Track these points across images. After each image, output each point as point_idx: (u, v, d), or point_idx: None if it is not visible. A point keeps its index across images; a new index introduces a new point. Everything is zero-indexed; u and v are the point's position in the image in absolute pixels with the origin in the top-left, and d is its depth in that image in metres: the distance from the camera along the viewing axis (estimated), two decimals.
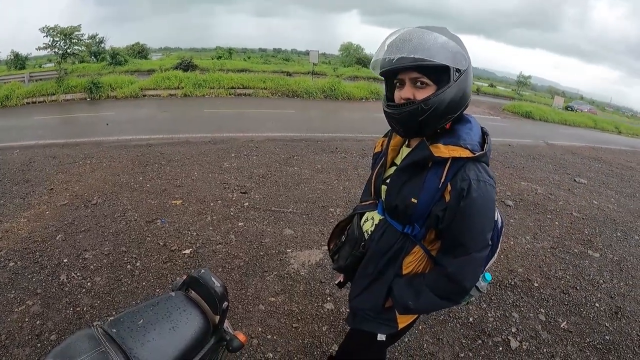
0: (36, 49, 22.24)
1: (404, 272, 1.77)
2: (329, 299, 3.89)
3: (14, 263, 4.42)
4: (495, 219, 1.77)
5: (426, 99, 1.48)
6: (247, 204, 6.01)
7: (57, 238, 4.93)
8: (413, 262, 1.75)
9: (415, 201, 1.62)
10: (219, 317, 1.87)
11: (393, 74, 1.57)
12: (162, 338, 1.66)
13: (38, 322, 3.51)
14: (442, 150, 1.54)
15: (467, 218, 1.54)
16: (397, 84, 1.58)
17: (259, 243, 4.87)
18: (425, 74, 1.48)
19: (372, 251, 1.83)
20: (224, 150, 9.14)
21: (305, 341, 3.35)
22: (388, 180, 1.78)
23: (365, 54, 45.56)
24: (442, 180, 1.56)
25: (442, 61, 1.43)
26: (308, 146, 9.86)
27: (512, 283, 4.35)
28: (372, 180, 1.92)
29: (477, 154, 1.53)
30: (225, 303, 1.88)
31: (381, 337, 1.91)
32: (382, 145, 1.98)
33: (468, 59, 1.51)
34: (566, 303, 4.11)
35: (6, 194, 6.48)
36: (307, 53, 37.55)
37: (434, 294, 1.67)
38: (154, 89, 20.69)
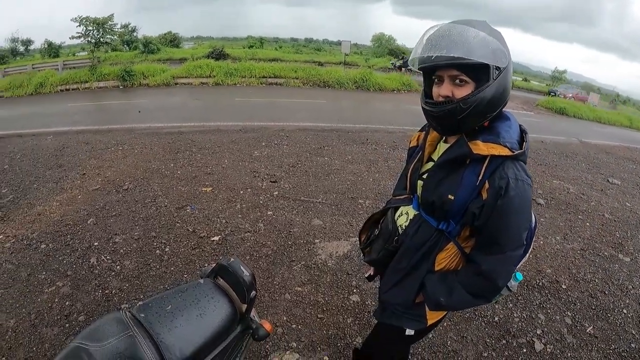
0: (69, 38, 22.68)
1: (437, 268, 1.76)
2: (355, 291, 3.88)
3: (45, 245, 4.52)
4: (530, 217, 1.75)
5: (465, 98, 1.46)
6: (276, 193, 6.03)
7: (88, 222, 5.03)
8: (446, 258, 1.74)
9: (452, 198, 1.60)
10: (246, 305, 1.87)
11: (431, 70, 1.54)
12: (189, 324, 1.66)
13: (67, 303, 3.60)
14: (481, 147, 1.52)
15: (503, 216, 1.53)
16: (436, 80, 1.55)
17: (288, 232, 4.88)
18: (464, 72, 1.45)
19: (406, 246, 1.82)
20: (255, 139, 9.17)
21: (330, 332, 3.35)
22: (425, 176, 1.76)
23: (398, 45, 45.13)
24: (480, 178, 1.54)
25: (481, 59, 1.40)
26: (339, 137, 9.82)
27: (540, 284, 4.27)
28: (408, 175, 1.90)
29: (516, 152, 1.51)
30: (253, 292, 1.88)
31: (409, 332, 1.91)
32: (418, 140, 1.96)
33: (508, 55, 1.47)
34: (593, 307, 4.00)
35: (39, 178, 6.63)
36: (338, 43, 37.31)
37: (467, 291, 1.67)
38: (185, 77, 20.85)
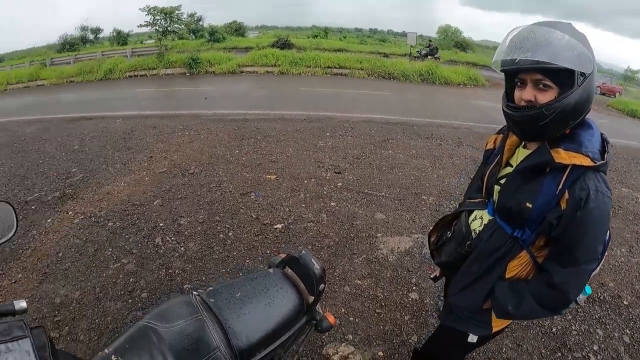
0: (137, 26, 23.52)
1: (507, 275, 1.72)
2: (414, 288, 3.78)
3: (112, 223, 4.67)
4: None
5: (548, 104, 1.41)
6: (340, 184, 5.97)
7: (154, 203, 5.15)
8: (517, 266, 1.70)
9: (530, 206, 1.55)
10: (313, 297, 1.86)
11: (514, 72, 1.50)
12: (257, 312, 1.67)
13: (131, 279, 3.71)
14: (563, 156, 1.47)
15: (581, 228, 1.47)
16: (518, 83, 1.51)
17: (350, 224, 4.82)
18: (548, 76, 1.40)
19: (479, 251, 1.77)
20: (319, 129, 9.17)
21: (386, 328, 3.30)
22: (502, 181, 1.72)
23: (464, 37, 44.19)
24: (560, 188, 1.49)
25: (566, 64, 1.34)
26: (404, 130, 9.67)
27: (601, 297, 4.01)
28: (485, 179, 1.84)
29: (598, 163, 1.45)
30: (322, 285, 1.87)
31: (472, 338, 1.88)
32: (495, 143, 1.92)
33: (593, 60, 1.40)
34: None
35: (108, 160, 6.85)
36: (403, 34, 36.94)
37: (536, 301, 1.62)
38: (251, 65, 21.20)
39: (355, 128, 9.46)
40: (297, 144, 7.91)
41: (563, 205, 1.48)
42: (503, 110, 1.58)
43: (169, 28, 23.42)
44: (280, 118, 10.35)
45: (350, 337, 3.16)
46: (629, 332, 3.55)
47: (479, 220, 1.84)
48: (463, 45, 41.37)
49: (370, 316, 3.40)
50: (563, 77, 1.38)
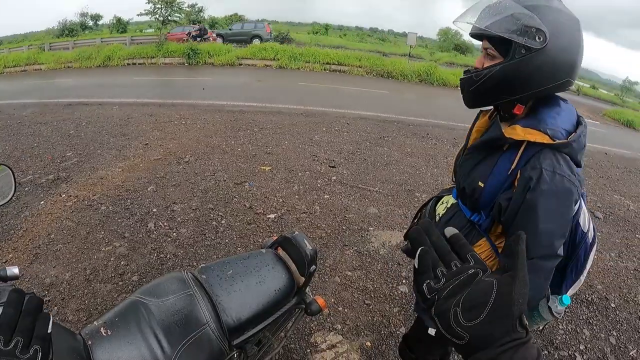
0: (137, 14, 23.52)
1: None
2: (404, 281, 3.81)
3: (105, 207, 4.68)
4: (584, 229, 1.55)
5: (477, 71, 1.44)
6: (334, 178, 5.98)
7: (148, 189, 5.16)
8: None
9: (482, 185, 1.51)
10: (304, 279, 1.87)
11: (474, 36, 1.51)
12: (248, 290, 1.68)
13: (122, 262, 3.73)
14: (518, 131, 1.40)
15: (531, 213, 1.37)
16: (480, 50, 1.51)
17: (343, 217, 4.83)
18: (493, 45, 1.42)
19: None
20: (316, 124, 9.17)
21: (375, 319, 3.31)
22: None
23: (464, 40, 44.28)
24: (514, 166, 1.42)
25: (503, 33, 1.32)
26: (399, 129, 9.67)
27: (589, 299, 4.04)
28: (454, 162, 1.82)
29: (557, 141, 1.36)
30: (313, 266, 1.87)
31: (431, 331, 1.76)
32: None
33: (549, 39, 1.30)
34: None
35: (104, 145, 6.85)
36: (404, 34, 36.98)
37: None
38: (250, 58, 21.19)
39: (351, 124, 9.46)
40: (293, 137, 7.91)
41: (516, 186, 1.41)
42: None
43: (169, 17, 23.39)
44: (277, 111, 10.34)
45: (339, 326, 3.17)
46: (615, 334, 3.58)
47: (444, 204, 1.82)
48: (462, 48, 41.45)
49: (359, 307, 3.42)
50: (506, 48, 1.37)
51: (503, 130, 1.43)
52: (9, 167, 1.58)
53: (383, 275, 3.86)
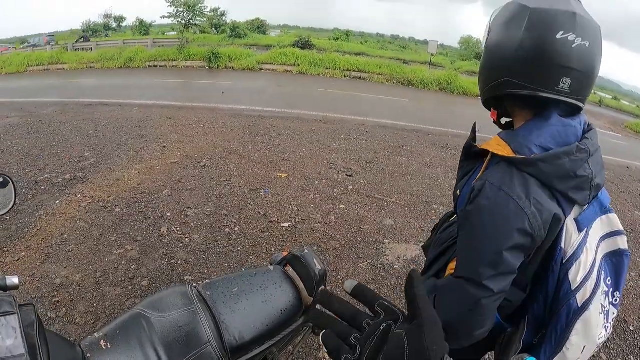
0: (160, 17, 23.99)
1: (447, 274, 1.44)
2: None
3: (120, 209, 4.67)
4: (572, 286, 1.25)
5: None
6: (351, 187, 5.92)
7: (163, 192, 5.16)
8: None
9: (459, 193, 1.45)
10: (312, 299, 1.81)
11: None
12: (253, 309, 1.63)
13: (133, 266, 3.71)
14: (491, 142, 1.30)
15: (464, 227, 1.27)
16: None
17: (358, 228, 4.76)
18: None
19: (435, 239, 1.70)
20: (334, 131, 9.13)
21: None
22: None
23: None
24: (479, 176, 1.30)
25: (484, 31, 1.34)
26: (418, 138, 9.60)
27: None
28: None
29: (516, 156, 1.19)
30: (323, 287, 1.83)
31: None
32: None
33: (488, 35, 1.30)
34: None
35: (122, 146, 6.89)
36: (425, 42, 36.98)
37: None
38: (270, 63, 21.36)
39: (370, 132, 9.41)
40: (311, 144, 7.88)
41: None
42: None
43: (191, 21, 23.65)
44: (295, 117, 10.34)
45: None
46: (632, 359, 3.46)
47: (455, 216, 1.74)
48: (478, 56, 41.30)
49: None
50: None
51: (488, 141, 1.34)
52: (9, 178, 1.55)
53: (396, 290, 3.79)
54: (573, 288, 1.23)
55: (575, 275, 1.23)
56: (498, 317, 1.40)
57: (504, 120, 1.45)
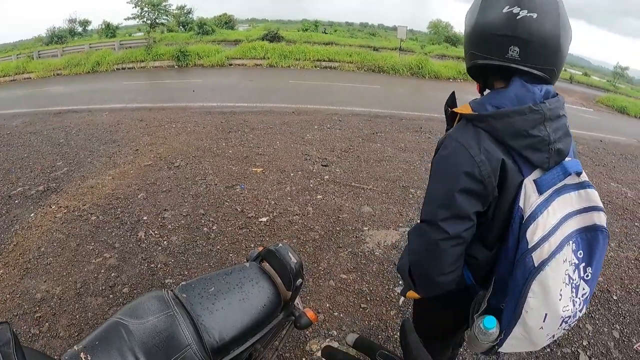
0: (124, 19, 23.59)
1: None
2: (400, 282, 3.71)
3: (95, 217, 4.63)
4: (529, 244, 1.28)
5: None
6: (327, 177, 5.94)
7: (139, 196, 5.12)
8: None
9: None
10: (291, 293, 1.83)
11: None
12: (231, 308, 1.65)
13: (113, 274, 3.68)
14: (461, 106, 1.44)
15: (430, 176, 1.41)
16: None
17: (336, 218, 4.78)
18: None
19: None
20: (307, 122, 9.14)
21: (372, 323, 3.26)
22: None
23: (455, 32, 44.16)
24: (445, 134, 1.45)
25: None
26: (392, 123, 9.65)
27: None
28: None
29: (472, 113, 1.35)
30: (300, 280, 1.83)
31: (399, 296, 1.74)
32: None
33: (470, 17, 1.40)
34: None
35: (94, 153, 6.81)
36: (394, 28, 36.84)
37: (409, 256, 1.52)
38: (240, 58, 21.25)
39: (343, 121, 9.43)
40: (285, 136, 7.87)
41: None
42: None
43: (156, 20, 23.38)
44: (268, 111, 10.33)
45: (335, 332, 3.13)
46: (618, 327, 3.52)
47: None
48: (453, 40, 41.33)
49: (355, 311, 3.36)
50: None
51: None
52: None
53: (379, 276, 3.81)
54: (529, 247, 1.27)
55: (532, 234, 1.27)
56: (471, 278, 1.51)
57: (486, 92, 1.49)
